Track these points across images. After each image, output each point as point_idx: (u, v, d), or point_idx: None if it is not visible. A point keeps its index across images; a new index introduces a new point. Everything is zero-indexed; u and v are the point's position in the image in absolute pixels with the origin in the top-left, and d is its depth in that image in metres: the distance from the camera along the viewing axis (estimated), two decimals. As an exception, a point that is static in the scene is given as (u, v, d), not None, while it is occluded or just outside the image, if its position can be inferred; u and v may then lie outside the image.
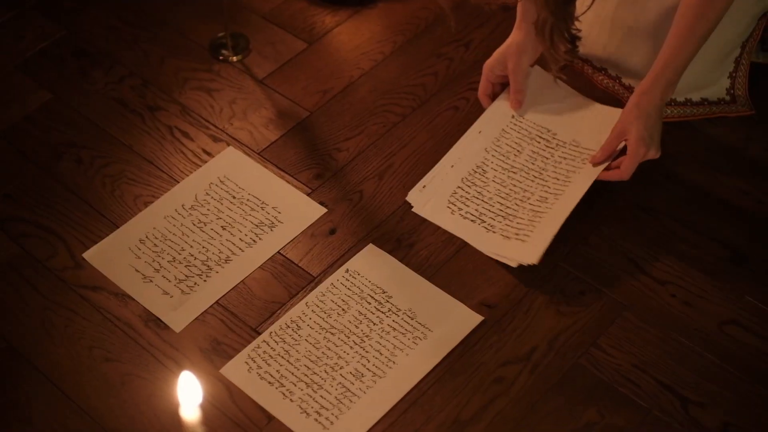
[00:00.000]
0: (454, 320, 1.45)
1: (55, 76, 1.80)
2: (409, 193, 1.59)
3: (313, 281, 1.51)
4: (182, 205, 1.61)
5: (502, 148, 1.61)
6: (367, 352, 1.43)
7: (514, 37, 1.63)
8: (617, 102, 1.68)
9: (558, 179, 1.56)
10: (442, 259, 1.52)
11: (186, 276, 1.52)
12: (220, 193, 1.62)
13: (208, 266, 1.53)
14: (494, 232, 1.52)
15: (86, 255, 1.55)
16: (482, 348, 1.43)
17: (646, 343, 1.42)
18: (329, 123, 1.71)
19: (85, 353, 1.45)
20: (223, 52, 1.81)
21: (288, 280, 1.52)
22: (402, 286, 1.49)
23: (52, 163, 1.68)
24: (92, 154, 1.68)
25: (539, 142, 1.61)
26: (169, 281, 1.52)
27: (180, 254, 1.55)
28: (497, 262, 1.51)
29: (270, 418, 1.38)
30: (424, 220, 1.57)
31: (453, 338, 1.44)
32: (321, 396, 1.39)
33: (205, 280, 1.52)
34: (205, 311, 1.49)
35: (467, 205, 1.55)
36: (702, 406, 1.36)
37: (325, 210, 1.59)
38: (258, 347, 1.44)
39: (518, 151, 1.60)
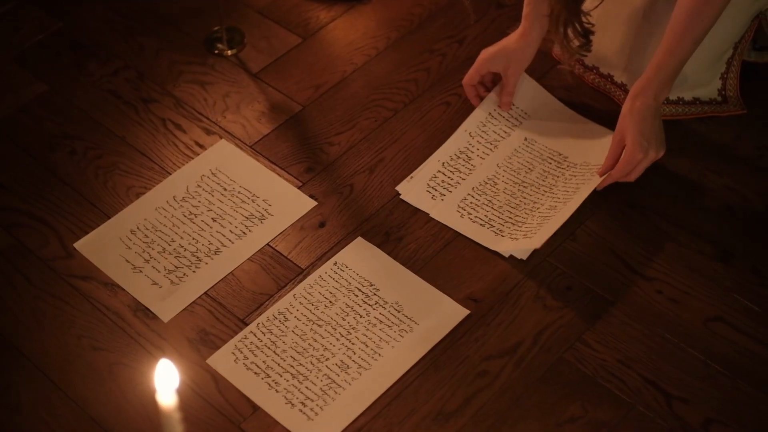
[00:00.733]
0: (441, 314, 1.46)
1: (51, 68, 1.81)
2: (399, 185, 1.60)
3: (302, 273, 1.52)
4: (174, 197, 1.62)
5: (513, 165, 1.61)
6: (353, 344, 1.44)
7: (519, 37, 1.62)
8: (608, 100, 1.68)
9: (567, 191, 1.57)
10: (430, 253, 1.53)
11: (175, 267, 1.53)
12: (211, 185, 1.63)
13: (198, 257, 1.54)
14: (503, 236, 1.53)
15: (77, 245, 1.57)
16: (468, 341, 1.43)
17: (631, 339, 1.43)
18: (321, 117, 1.71)
19: (74, 342, 1.46)
20: (218, 46, 1.82)
21: (276, 272, 1.52)
22: (389, 280, 1.50)
23: (46, 154, 1.69)
24: (86, 145, 1.70)
25: (550, 163, 1.61)
26: (159, 272, 1.53)
27: (170, 245, 1.56)
28: (485, 257, 1.51)
29: (255, 408, 1.39)
30: (413, 215, 1.58)
31: (439, 331, 1.44)
32: (306, 387, 1.40)
33: (194, 271, 1.53)
34: (193, 302, 1.50)
35: (477, 211, 1.56)
36: (685, 402, 1.37)
37: (315, 203, 1.60)
38: (245, 338, 1.45)
39: (529, 169, 1.61)
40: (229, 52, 1.81)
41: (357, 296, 1.48)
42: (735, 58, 1.62)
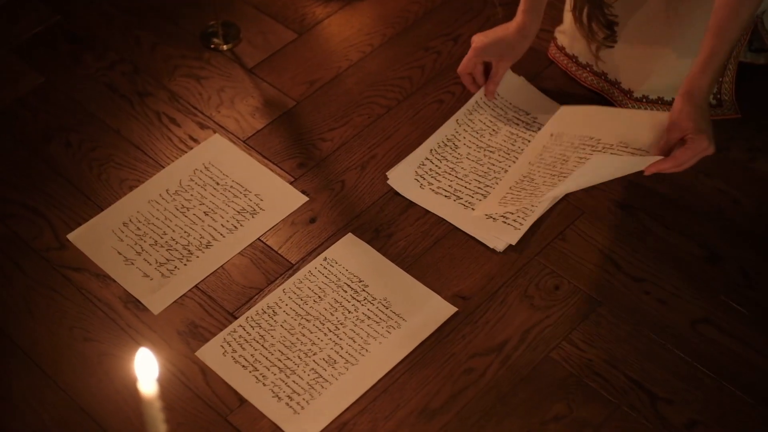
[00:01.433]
0: (428, 311, 1.47)
1: (48, 61, 1.82)
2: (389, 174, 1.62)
3: (292, 268, 1.53)
4: (166, 190, 1.63)
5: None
6: (341, 339, 1.45)
7: (517, 31, 1.62)
8: (604, 100, 1.69)
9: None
10: (420, 251, 1.53)
11: (167, 260, 1.54)
12: (204, 179, 1.64)
13: (189, 251, 1.55)
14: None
15: (70, 236, 1.58)
16: (454, 339, 1.44)
17: (618, 339, 1.44)
18: (315, 113, 1.72)
19: (65, 332, 1.48)
20: (214, 40, 1.82)
21: (267, 266, 1.53)
22: (378, 276, 1.51)
23: (41, 146, 1.70)
24: (81, 137, 1.71)
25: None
26: (150, 264, 1.54)
27: (162, 238, 1.57)
28: (473, 255, 1.52)
29: (242, 400, 1.40)
30: (403, 212, 1.58)
31: (426, 328, 1.45)
32: (293, 381, 1.41)
33: (185, 264, 1.54)
34: (184, 295, 1.51)
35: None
36: (670, 403, 1.38)
37: (306, 198, 1.61)
38: (234, 331, 1.46)
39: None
40: (225, 47, 1.82)
41: (346, 292, 1.49)
42: (731, 62, 1.62)
